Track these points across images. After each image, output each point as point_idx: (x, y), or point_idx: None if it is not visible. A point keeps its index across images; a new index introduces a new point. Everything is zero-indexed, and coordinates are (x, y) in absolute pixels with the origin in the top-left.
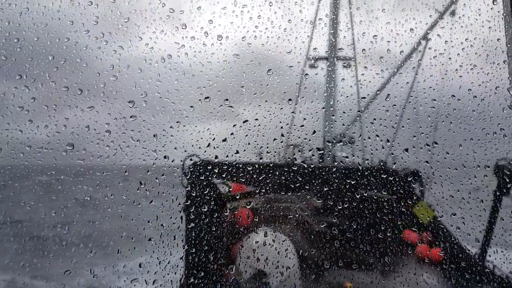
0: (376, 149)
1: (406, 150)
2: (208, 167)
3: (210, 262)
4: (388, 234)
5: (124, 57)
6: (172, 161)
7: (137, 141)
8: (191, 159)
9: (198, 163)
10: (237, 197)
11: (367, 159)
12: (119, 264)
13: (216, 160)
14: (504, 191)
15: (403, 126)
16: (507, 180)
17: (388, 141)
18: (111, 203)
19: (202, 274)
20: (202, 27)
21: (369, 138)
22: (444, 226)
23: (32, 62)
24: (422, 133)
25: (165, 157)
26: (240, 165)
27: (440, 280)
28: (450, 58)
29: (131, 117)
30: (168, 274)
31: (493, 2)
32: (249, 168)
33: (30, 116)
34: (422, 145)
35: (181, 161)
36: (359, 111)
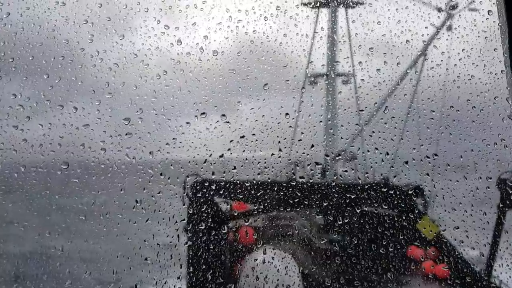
0: (376, 163)
1: (406, 162)
2: (209, 186)
3: (212, 281)
4: (392, 250)
5: (119, 74)
6: (169, 179)
7: (133, 158)
8: (192, 177)
9: (199, 181)
10: (238, 215)
11: (367, 173)
12: (115, 285)
13: (217, 179)
14: (508, 203)
15: (402, 139)
16: (509, 193)
17: (387, 154)
18: (106, 221)
19: None
20: (197, 43)
21: (368, 151)
22: (448, 241)
23: (27, 81)
24: (422, 145)
25: (161, 174)
26: (241, 183)
27: None
28: (447, 69)
29: (126, 134)
30: None
31: (488, 13)
32: (249, 186)
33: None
34: (422, 158)
35: (183, 180)
36: (357, 124)
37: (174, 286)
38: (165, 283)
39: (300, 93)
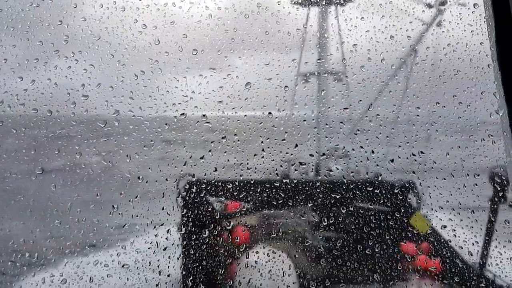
0: (361, 161)
1: (392, 160)
2: (201, 187)
3: (203, 282)
4: (386, 247)
5: (95, 75)
6: (147, 182)
7: (109, 162)
8: (184, 178)
9: (192, 182)
10: (232, 215)
11: (352, 172)
12: None
13: (210, 178)
14: (500, 199)
15: (387, 137)
16: (501, 188)
17: (373, 152)
18: (82, 227)
19: None
20: (176, 42)
21: (353, 150)
22: (441, 236)
23: None
24: (408, 142)
25: (138, 178)
26: (236, 183)
27: None
28: (432, 64)
29: (102, 137)
30: None
31: (474, 6)
32: (245, 185)
33: None
34: (408, 155)
35: (161, 183)
36: (342, 122)
37: None
38: None
39: (284, 91)
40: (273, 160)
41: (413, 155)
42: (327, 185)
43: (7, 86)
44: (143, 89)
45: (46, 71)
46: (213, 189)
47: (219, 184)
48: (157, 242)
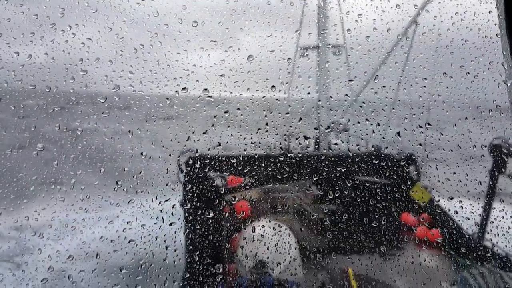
0: (367, 134)
1: (398, 134)
2: (204, 162)
3: (211, 258)
4: (386, 218)
5: (93, 49)
6: (150, 158)
7: (111, 138)
8: (186, 153)
9: (194, 157)
10: (234, 190)
11: (357, 145)
12: (98, 269)
13: (211, 154)
14: (500, 170)
15: (393, 108)
16: (503, 159)
17: (378, 124)
18: (86, 204)
19: (207, 271)
20: (175, 14)
21: (358, 122)
22: (441, 208)
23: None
24: (414, 114)
25: (141, 153)
26: (235, 158)
27: (439, 260)
28: (440, 34)
29: (103, 113)
30: (150, 277)
31: None
32: (245, 160)
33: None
34: (414, 127)
35: (164, 158)
36: (346, 94)
37: (160, 268)
38: (150, 265)
39: (287, 64)
40: (277, 134)
41: (420, 127)
42: (332, 159)
43: (4, 62)
44: (143, 63)
45: (43, 46)
46: (216, 164)
47: (223, 159)
48: (162, 217)
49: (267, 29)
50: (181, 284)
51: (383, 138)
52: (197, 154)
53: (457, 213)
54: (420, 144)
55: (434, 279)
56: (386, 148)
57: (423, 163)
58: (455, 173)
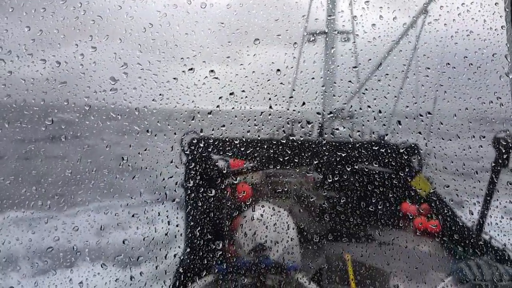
0: (368, 121)
1: (399, 122)
2: (207, 143)
3: (211, 240)
4: (387, 206)
5: (103, 27)
6: (155, 136)
7: (118, 115)
8: (189, 135)
9: (197, 139)
10: (236, 173)
11: (358, 131)
12: (102, 241)
13: (214, 136)
14: (502, 162)
15: (395, 96)
16: (505, 152)
17: (380, 112)
18: (92, 178)
19: (207, 252)
20: None
21: (360, 109)
22: (440, 198)
23: (7, 33)
24: (416, 103)
25: (147, 131)
26: (238, 141)
27: (438, 250)
28: (445, 24)
29: (111, 90)
30: (152, 250)
31: None
32: (247, 144)
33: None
34: (415, 116)
35: (169, 136)
36: (350, 81)
37: (162, 242)
38: (152, 239)
39: (293, 48)
40: (280, 117)
41: (420, 115)
42: (333, 145)
43: (15, 37)
44: (151, 42)
45: (53, 21)
46: (219, 146)
47: (225, 141)
48: (166, 194)
49: (274, 13)
50: (181, 258)
51: (384, 125)
52: (200, 136)
53: (452, 200)
54: (420, 133)
55: (431, 268)
56: (386, 135)
57: (422, 151)
58: (452, 162)
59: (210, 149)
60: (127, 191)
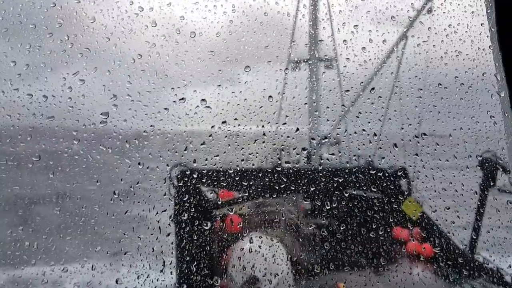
0: (363, 144)
1: (395, 145)
2: (195, 175)
3: (202, 274)
4: (379, 233)
5: (91, 59)
6: (147, 168)
7: (109, 148)
8: (177, 167)
9: (185, 171)
10: (225, 204)
11: (355, 155)
12: (94, 282)
13: (201, 167)
14: (489, 183)
15: (389, 119)
16: (492, 173)
17: (375, 135)
18: (83, 215)
19: (192, 282)
20: (173, 24)
21: (355, 133)
22: (433, 221)
23: None
24: (410, 124)
25: (139, 164)
26: (227, 172)
27: (432, 275)
28: (434, 46)
29: (100, 123)
30: None
31: None
32: (235, 174)
33: None
34: (410, 137)
35: (162, 169)
36: (343, 105)
37: (157, 279)
38: (147, 276)
39: (284, 74)
40: (274, 144)
41: (416, 137)
42: (324, 173)
43: (0, 71)
44: (140, 73)
45: (40, 55)
46: (207, 178)
47: (214, 173)
48: (159, 228)
49: (264, 40)
50: None
51: (380, 148)
52: (188, 168)
53: (454, 223)
54: (416, 154)
55: None
56: (383, 158)
57: (420, 173)
58: (451, 183)
59: (198, 182)
60: (119, 227)
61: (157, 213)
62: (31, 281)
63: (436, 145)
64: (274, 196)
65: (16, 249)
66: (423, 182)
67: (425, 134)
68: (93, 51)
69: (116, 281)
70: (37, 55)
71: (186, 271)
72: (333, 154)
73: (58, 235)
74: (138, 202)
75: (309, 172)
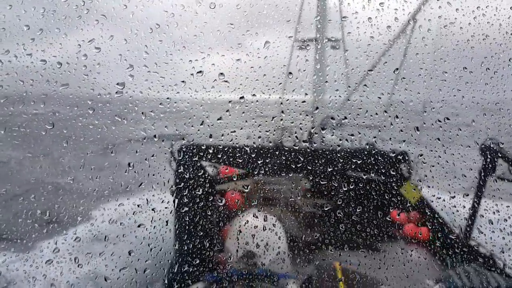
0: (384, 126)
1: (417, 128)
2: (197, 150)
3: (201, 247)
4: (376, 214)
5: (107, 27)
6: (163, 141)
7: (124, 119)
8: (179, 142)
9: (187, 145)
10: (226, 180)
11: (374, 137)
12: (107, 252)
13: (204, 143)
14: (489, 170)
15: (411, 101)
16: (492, 160)
17: (396, 117)
18: (97, 186)
19: (196, 260)
20: None
21: (376, 114)
22: (431, 206)
23: (4, 32)
24: (433, 108)
25: (154, 136)
26: (229, 148)
27: (427, 258)
28: (461, 28)
29: (116, 93)
30: (160, 262)
31: None
32: (238, 151)
33: None
34: (433, 122)
35: (169, 145)
36: (365, 85)
37: (170, 252)
38: (160, 249)
39: (305, 50)
40: (292, 122)
41: (439, 121)
42: (325, 153)
43: (13, 35)
44: (158, 43)
45: (54, 20)
46: (209, 154)
47: (216, 149)
48: (174, 201)
49: (286, 14)
50: (170, 265)
51: (401, 131)
52: (190, 143)
53: (464, 207)
54: (438, 139)
55: (420, 276)
56: (404, 141)
57: (440, 158)
58: (471, 169)
59: (200, 156)
60: (133, 200)
61: (172, 186)
62: (42, 247)
63: (459, 130)
64: (275, 175)
65: (27, 217)
66: (443, 168)
67: (448, 119)
68: (109, 18)
69: (129, 253)
70: (51, 19)
71: (183, 242)
72: (352, 135)
73: (71, 204)
74: (153, 175)
75: (311, 153)
